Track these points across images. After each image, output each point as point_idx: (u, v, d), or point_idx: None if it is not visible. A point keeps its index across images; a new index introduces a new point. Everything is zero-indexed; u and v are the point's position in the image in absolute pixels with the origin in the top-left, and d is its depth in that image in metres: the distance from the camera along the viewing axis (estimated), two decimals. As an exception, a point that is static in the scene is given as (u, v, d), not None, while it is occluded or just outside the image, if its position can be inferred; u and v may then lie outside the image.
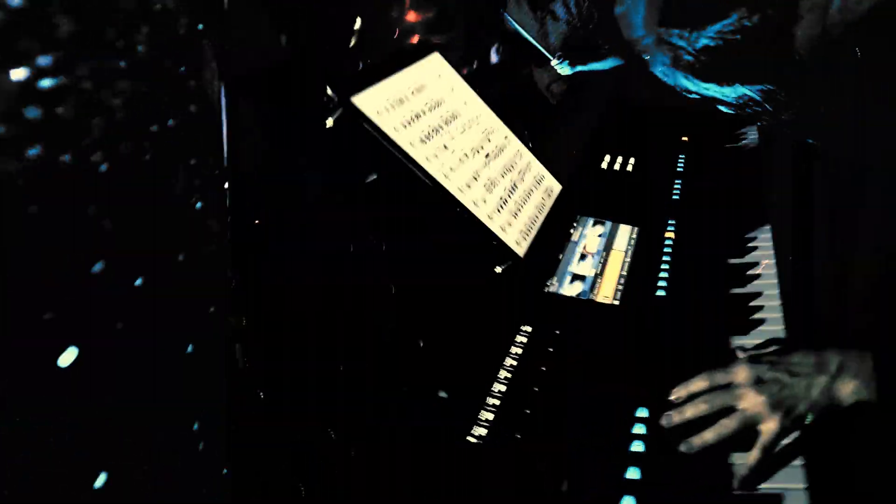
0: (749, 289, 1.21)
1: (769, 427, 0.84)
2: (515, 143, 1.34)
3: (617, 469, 0.83)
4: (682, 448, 0.86)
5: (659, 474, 0.83)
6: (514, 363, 1.00)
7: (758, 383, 0.86)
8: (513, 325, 1.06)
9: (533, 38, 1.97)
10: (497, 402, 0.93)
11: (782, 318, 1.13)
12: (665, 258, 1.27)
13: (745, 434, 0.85)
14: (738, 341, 1.09)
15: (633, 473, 0.82)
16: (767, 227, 1.38)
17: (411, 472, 0.81)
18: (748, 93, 2.12)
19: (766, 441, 0.84)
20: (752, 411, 0.85)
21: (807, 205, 1.51)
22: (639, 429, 0.89)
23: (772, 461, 0.84)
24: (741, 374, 0.88)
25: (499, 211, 1.17)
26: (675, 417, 0.89)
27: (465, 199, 1.10)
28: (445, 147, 1.13)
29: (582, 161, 1.65)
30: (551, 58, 1.92)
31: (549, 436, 0.88)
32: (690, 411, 0.89)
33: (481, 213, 1.12)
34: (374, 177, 1.09)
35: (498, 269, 1.13)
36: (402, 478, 0.81)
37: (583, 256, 1.28)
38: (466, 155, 1.17)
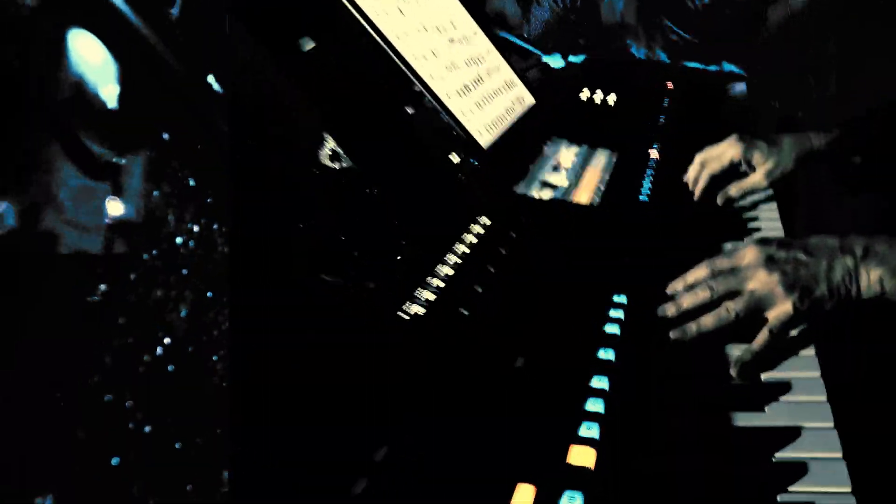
0: (742, 203, 1.06)
1: (781, 309, 0.67)
2: (486, 43, 1.18)
3: (586, 347, 0.65)
4: (675, 335, 0.69)
5: (639, 358, 0.66)
6: (468, 251, 0.82)
7: (769, 263, 0.70)
8: (469, 215, 0.88)
9: (516, 24, 1.85)
10: (442, 285, 0.75)
11: (780, 225, 0.97)
12: (649, 172, 1.11)
13: (751, 322, 0.68)
14: (732, 246, 0.93)
15: (606, 354, 0.65)
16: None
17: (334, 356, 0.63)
18: (734, 69, 2.02)
19: (775, 324, 0.67)
20: (762, 292, 0.68)
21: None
22: (615, 313, 0.72)
23: (780, 349, 0.67)
24: (749, 255, 0.72)
25: (460, 95, 1.00)
26: (670, 309, 0.72)
27: (421, 68, 0.93)
28: (400, 11, 0.96)
29: (557, 92, 1.50)
30: (537, 52, 1.78)
31: (503, 314, 0.70)
32: (689, 300, 0.72)
33: (438, 88, 0.95)
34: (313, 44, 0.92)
35: (455, 158, 0.96)
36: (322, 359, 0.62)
37: (556, 168, 1.12)
38: (425, 28, 1.00)
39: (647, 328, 0.70)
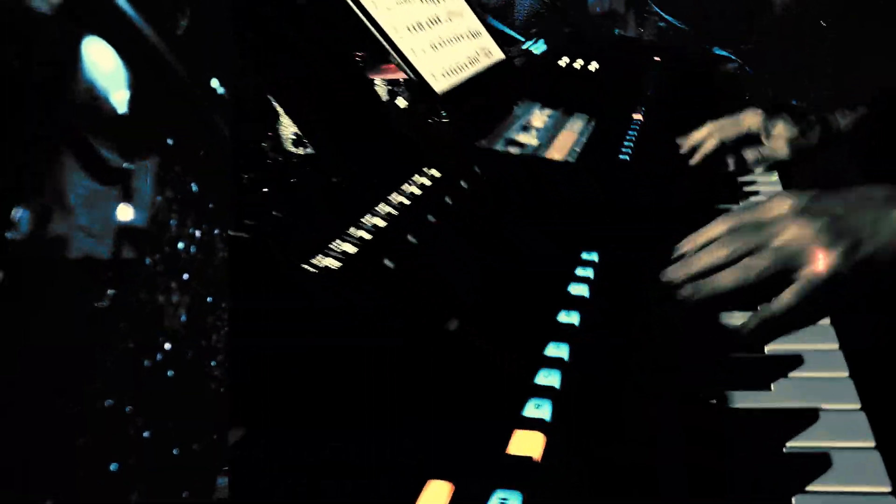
0: (737, 167, 0.92)
1: (817, 268, 0.52)
2: (448, -13, 1.04)
3: (544, 308, 0.51)
4: (685, 293, 0.54)
5: (611, 323, 0.51)
6: (407, 202, 0.68)
7: (804, 214, 0.55)
8: (414, 164, 0.74)
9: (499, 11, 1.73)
10: (369, 237, 0.60)
11: (781, 189, 0.84)
12: (632, 134, 0.97)
13: (777, 284, 0.54)
14: (726, 207, 0.79)
15: (568, 317, 0.50)
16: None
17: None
18: (725, 54, 1.91)
19: (807, 286, 0.52)
20: (794, 247, 0.53)
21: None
22: (584, 272, 0.57)
23: (806, 314, 0.53)
24: (778, 205, 0.57)
25: (410, 31, 0.86)
26: (679, 272, 0.57)
27: (361, -6, 0.79)
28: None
29: (534, 65, 1.36)
30: (519, 38, 1.65)
31: (440, 269, 0.56)
32: (703, 260, 0.56)
33: (383, 19, 0.81)
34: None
35: (403, 102, 0.82)
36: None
37: (525, 128, 0.98)
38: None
39: (624, 290, 0.56)
